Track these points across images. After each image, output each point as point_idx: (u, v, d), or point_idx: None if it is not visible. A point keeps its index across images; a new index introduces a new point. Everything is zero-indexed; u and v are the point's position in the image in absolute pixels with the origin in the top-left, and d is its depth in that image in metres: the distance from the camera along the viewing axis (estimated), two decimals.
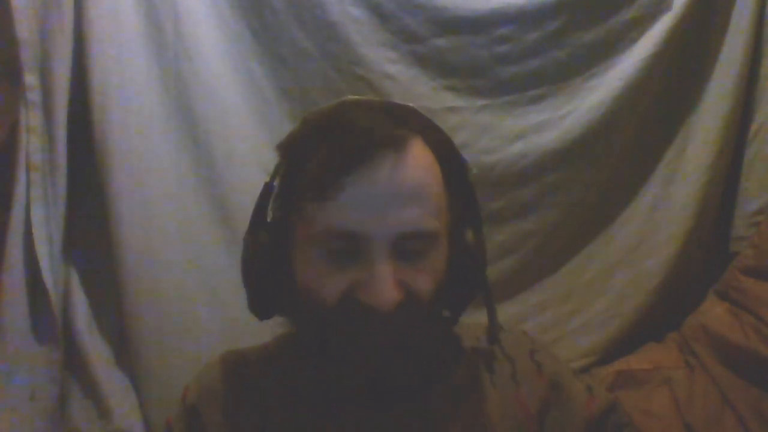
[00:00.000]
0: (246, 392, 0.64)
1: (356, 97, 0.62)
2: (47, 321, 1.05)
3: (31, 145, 1.03)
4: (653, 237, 1.33)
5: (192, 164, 1.16)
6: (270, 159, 1.27)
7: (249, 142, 1.19)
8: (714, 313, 1.24)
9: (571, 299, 1.34)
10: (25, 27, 1.01)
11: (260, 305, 0.62)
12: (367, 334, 0.54)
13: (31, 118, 1.03)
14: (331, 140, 0.55)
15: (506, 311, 1.30)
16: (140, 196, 1.10)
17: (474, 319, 0.71)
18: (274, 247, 0.60)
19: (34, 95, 1.03)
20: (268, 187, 0.63)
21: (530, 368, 0.67)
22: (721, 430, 1.10)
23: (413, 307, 0.54)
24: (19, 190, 1.03)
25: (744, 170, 1.34)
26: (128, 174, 1.09)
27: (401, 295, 0.53)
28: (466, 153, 0.63)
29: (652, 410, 1.15)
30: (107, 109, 1.08)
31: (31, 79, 1.03)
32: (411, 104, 0.61)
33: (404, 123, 0.57)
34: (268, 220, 0.63)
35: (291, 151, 0.60)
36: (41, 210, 1.04)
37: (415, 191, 0.55)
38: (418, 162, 0.56)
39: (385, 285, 0.52)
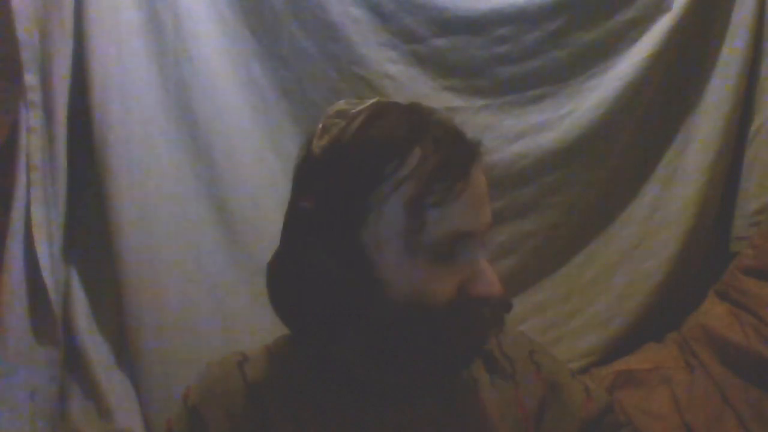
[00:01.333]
0: (248, 393, 0.64)
1: (384, 100, 0.61)
2: (47, 321, 1.05)
3: (31, 145, 1.03)
4: (653, 237, 1.33)
5: (192, 164, 1.16)
6: (270, 159, 1.27)
7: (249, 142, 1.19)
8: (714, 313, 1.24)
9: (571, 299, 1.34)
10: (25, 27, 1.01)
11: (312, 323, 0.58)
12: (488, 323, 0.58)
13: (31, 118, 1.03)
14: (425, 146, 0.55)
15: None
16: (140, 196, 1.10)
17: None
18: (343, 261, 0.55)
19: (34, 95, 1.03)
20: (314, 198, 0.57)
21: (529, 369, 0.67)
22: (721, 430, 1.10)
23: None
24: (20, 190, 1.03)
25: (744, 170, 1.34)
26: (128, 174, 1.09)
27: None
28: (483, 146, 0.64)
29: (652, 410, 1.15)
30: (107, 109, 1.08)
31: (31, 79, 1.03)
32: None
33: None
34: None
35: (353, 155, 0.55)
36: (41, 210, 1.04)
37: (487, 190, 0.58)
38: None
39: (494, 275, 0.56)
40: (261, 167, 1.20)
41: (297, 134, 1.22)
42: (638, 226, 1.34)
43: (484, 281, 0.55)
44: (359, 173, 0.55)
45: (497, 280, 0.56)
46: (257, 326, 1.14)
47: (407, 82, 1.23)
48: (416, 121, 0.56)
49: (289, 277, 0.58)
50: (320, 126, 0.59)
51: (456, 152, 0.55)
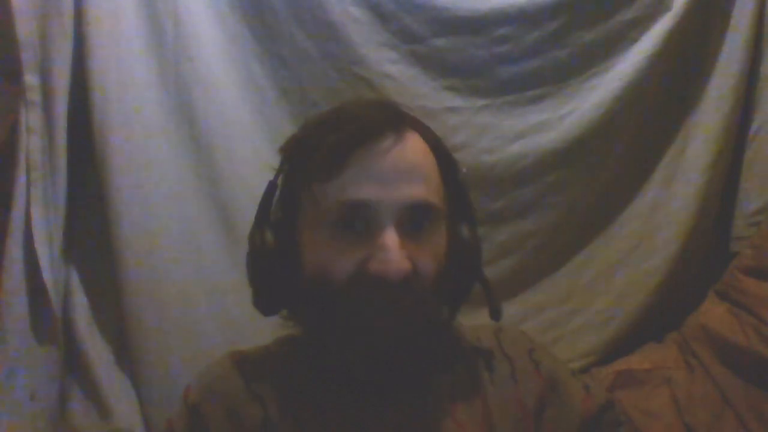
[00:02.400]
0: (248, 391, 0.64)
1: (350, 100, 0.67)
2: (47, 321, 1.05)
3: (31, 145, 1.03)
4: (653, 237, 1.33)
5: (192, 164, 1.16)
6: (270, 159, 1.27)
7: (249, 142, 1.19)
8: (714, 313, 1.24)
9: (571, 299, 1.34)
10: (25, 27, 1.01)
11: (266, 301, 0.63)
12: (379, 304, 0.55)
13: (31, 119, 1.03)
14: (335, 128, 0.58)
15: (506, 311, 1.27)
16: (140, 197, 1.10)
17: (474, 321, 0.71)
18: (280, 242, 0.61)
19: (34, 95, 1.03)
20: (271, 185, 0.64)
21: (528, 367, 0.67)
22: (721, 431, 1.10)
23: (419, 281, 0.56)
24: (19, 190, 1.03)
25: (744, 170, 1.34)
26: (128, 174, 1.09)
27: (409, 265, 0.55)
28: (466, 153, 0.65)
29: (652, 410, 1.15)
30: (107, 109, 1.08)
31: (31, 79, 1.03)
32: (413, 107, 0.64)
33: (401, 115, 0.61)
34: (272, 218, 0.64)
35: (293, 148, 0.63)
36: (41, 210, 1.04)
37: (417, 169, 0.58)
38: (416, 146, 0.59)
39: (394, 253, 0.54)
40: (261, 167, 1.19)
41: None
42: (638, 226, 1.34)
43: (380, 257, 0.54)
44: (295, 164, 0.62)
45: (400, 261, 0.54)
46: (257, 326, 1.13)
47: (407, 82, 1.23)
48: (341, 114, 0.61)
49: (250, 255, 0.63)
50: None
51: (350, 132, 0.57)
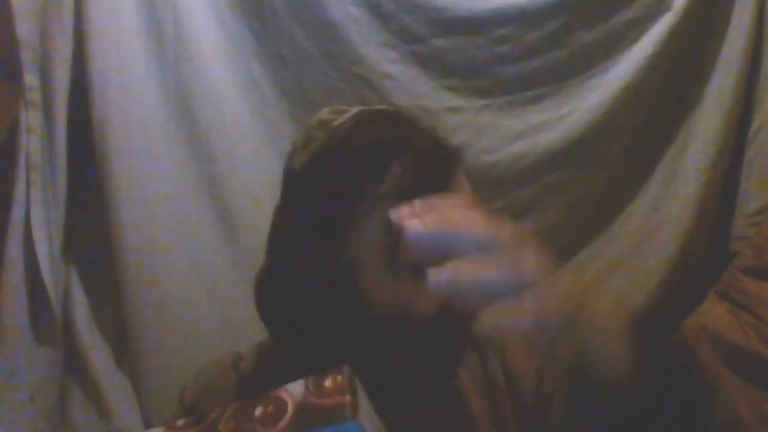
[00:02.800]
0: (244, 391, 0.64)
1: (368, 109, 0.60)
2: (47, 321, 1.05)
3: (31, 145, 1.03)
4: (653, 237, 1.33)
5: (192, 164, 1.16)
6: (270, 158, 1.27)
7: (249, 142, 1.19)
8: (714, 313, 1.24)
9: None
10: (25, 27, 1.01)
11: (291, 332, 0.61)
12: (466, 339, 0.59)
13: (31, 118, 1.03)
14: (403, 161, 0.53)
15: None
16: (140, 196, 1.10)
17: None
18: (320, 273, 0.56)
19: (34, 95, 1.03)
20: (291, 211, 0.58)
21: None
22: None
23: None
24: (19, 190, 1.03)
25: (744, 170, 1.34)
26: (128, 174, 1.09)
27: None
28: (467, 153, 0.64)
29: None
30: (107, 109, 1.08)
31: (31, 79, 1.03)
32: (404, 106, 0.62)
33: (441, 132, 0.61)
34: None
35: (332, 171, 0.55)
36: (41, 210, 1.04)
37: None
38: None
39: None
40: (260, 167, 1.20)
41: (297, 134, 1.22)
42: (638, 226, 1.34)
43: None
44: (338, 190, 0.54)
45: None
46: (257, 326, 1.13)
47: (407, 82, 1.23)
48: (395, 135, 0.55)
49: (278, 294, 0.58)
50: (302, 137, 0.58)
51: (433, 167, 0.54)
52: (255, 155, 1.19)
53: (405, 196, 0.52)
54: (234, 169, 1.17)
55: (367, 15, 1.20)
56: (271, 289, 0.59)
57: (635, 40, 1.27)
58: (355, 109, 0.59)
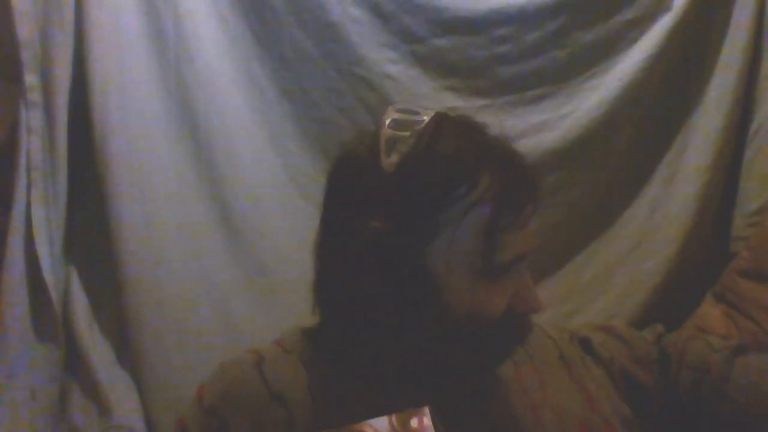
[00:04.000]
0: (271, 396, 0.62)
1: (442, 113, 0.61)
2: (48, 321, 1.05)
3: (31, 145, 1.03)
4: (653, 237, 1.33)
5: (192, 164, 1.16)
6: (271, 158, 1.27)
7: (249, 142, 1.19)
8: (711, 315, 1.23)
9: (571, 299, 1.33)
10: (25, 27, 1.01)
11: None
12: (526, 337, 0.62)
13: (31, 119, 1.03)
14: (493, 171, 0.56)
15: None
16: (140, 196, 1.10)
17: None
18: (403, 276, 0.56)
19: (34, 95, 1.03)
20: (384, 218, 0.56)
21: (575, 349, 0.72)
22: None
23: None
24: (20, 190, 1.03)
25: (744, 170, 1.33)
26: (128, 174, 1.09)
27: None
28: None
29: None
30: (108, 109, 1.08)
31: (31, 79, 1.03)
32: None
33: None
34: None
35: (424, 175, 0.55)
36: (42, 210, 1.04)
37: None
38: None
39: (537, 293, 0.60)
40: (261, 167, 1.20)
41: (297, 134, 1.22)
42: (638, 226, 1.34)
43: (530, 298, 0.59)
44: (432, 194, 0.55)
45: (539, 297, 0.59)
46: (258, 326, 1.13)
47: (407, 83, 1.23)
48: (481, 141, 0.58)
49: (352, 299, 0.58)
50: (383, 139, 0.57)
51: (521, 176, 0.57)
52: (255, 155, 1.19)
53: (498, 202, 0.55)
54: (234, 169, 1.17)
55: (367, 15, 1.20)
56: (347, 296, 0.59)
57: (635, 40, 1.27)
58: (429, 111, 0.60)
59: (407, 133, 0.57)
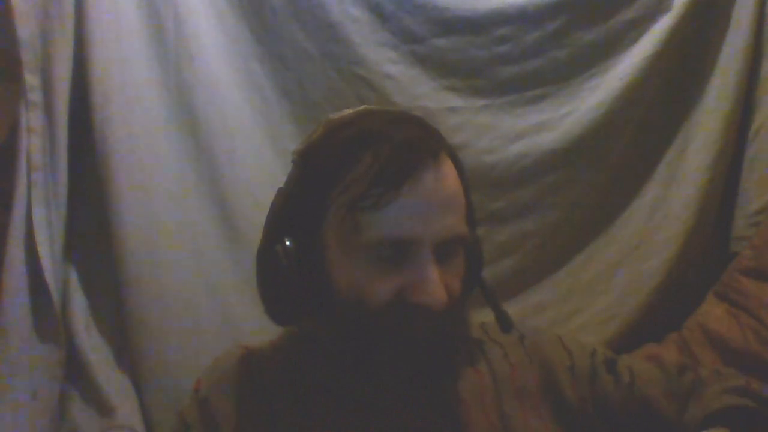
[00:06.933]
0: (255, 387, 0.66)
1: (371, 108, 0.65)
2: (48, 321, 1.05)
3: (31, 145, 1.03)
4: (653, 237, 1.33)
5: (193, 164, 1.16)
6: (271, 158, 1.27)
7: (249, 142, 1.19)
8: (713, 314, 1.24)
9: (571, 299, 1.34)
10: (26, 27, 1.01)
11: (284, 313, 0.63)
12: (422, 331, 0.58)
13: (31, 119, 1.03)
14: (376, 152, 0.57)
15: (507, 311, 1.30)
16: (140, 196, 1.10)
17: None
18: (303, 254, 0.60)
19: (34, 95, 1.03)
20: (286, 195, 0.62)
21: (520, 353, 0.71)
22: None
23: (452, 305, 0.59)
24: (20, 190, 1.03)
25: (744, 170, 1.34)
26: (128, 174, 1.09)
27: (446, 295, 0.58)
28: (466, 153, 0.65)
29: None
30: (108, 109, 1.08)
31: (31, 79, 1.03)
32: (413, 107, 0.64)
33: (435, 135, 0.62)
34: (289, 228, 0.62)
35: (318, 158, 0.61)
36: (42, 210, 1.04)
37: (451, 200, 0.59)
38: (450, 172, 0.60)
39: (438, 287, 0.57)
40: (261, 167, 1.20)
41: (297, 134, 1.22)
42: (638, 226, 1.34)
43: (423, 290, 0.56)
44: (319, 176, 0.59)
45: (441, 292, 0.56)
46: (258, 326, 1.13)
47: (407, 83, 1.23)
48: (374, 128, 0.59)
49: (266, 266, 0.61)
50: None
51: (396, 161, 0.57)
52: (255, 155, 1.19)
53: (364, 185, 0.56)
54: (234, 168, 1.17)
55: (367, 15, 1.20)
56: (263, 263, 0.62)
57: (635, 40, 1.27)
58: (360, 108, 0.64)
59: (320, 126, 0.63)
